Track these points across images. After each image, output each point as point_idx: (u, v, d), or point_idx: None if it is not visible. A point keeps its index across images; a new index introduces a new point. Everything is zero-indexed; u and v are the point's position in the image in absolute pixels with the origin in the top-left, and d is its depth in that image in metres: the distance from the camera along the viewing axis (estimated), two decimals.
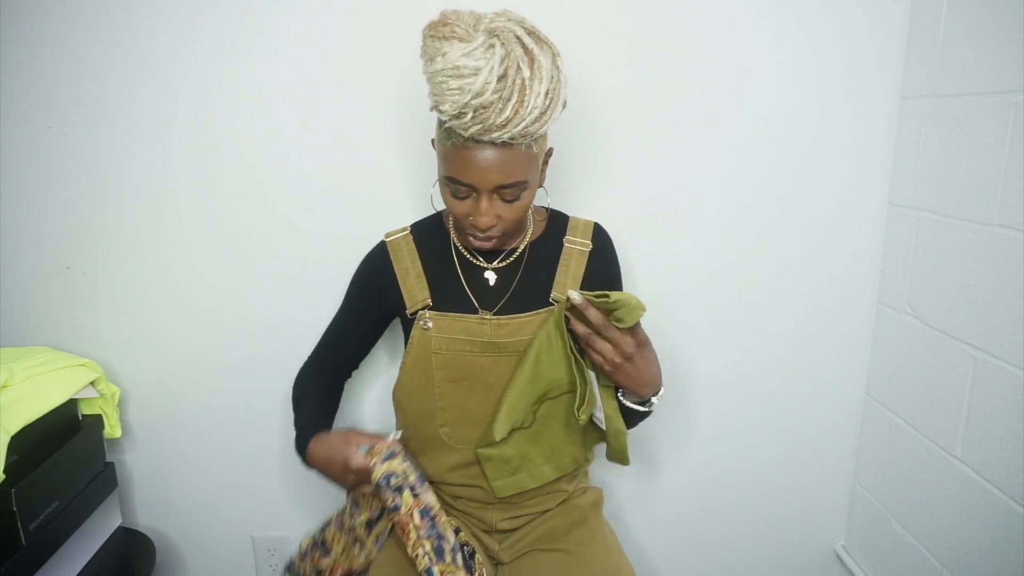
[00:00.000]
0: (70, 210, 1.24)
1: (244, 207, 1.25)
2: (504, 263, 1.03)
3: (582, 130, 1.21)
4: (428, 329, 1.00)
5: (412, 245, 1.04)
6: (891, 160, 1.24)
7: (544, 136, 0.91)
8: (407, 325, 1.04)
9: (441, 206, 1.05)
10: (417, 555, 0.89)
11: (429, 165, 1.20)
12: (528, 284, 1.02)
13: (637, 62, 1.20)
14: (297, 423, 1.04)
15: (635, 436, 1.39)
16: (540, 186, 0.96)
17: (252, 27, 1.17)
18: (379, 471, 0.90)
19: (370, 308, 1.08)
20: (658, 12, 1.17)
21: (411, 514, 0.90)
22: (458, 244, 1.04)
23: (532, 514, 1.09)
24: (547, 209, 1.09)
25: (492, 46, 0.79)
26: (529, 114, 0.80)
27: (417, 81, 1.18)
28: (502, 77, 0.78)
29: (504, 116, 0.79)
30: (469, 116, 0.80)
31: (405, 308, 1.02)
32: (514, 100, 0.78)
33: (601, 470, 1.38)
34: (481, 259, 1.03)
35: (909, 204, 1.21)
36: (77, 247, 1.26)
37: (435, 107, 0.84)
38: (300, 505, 1.40)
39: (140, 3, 1.16)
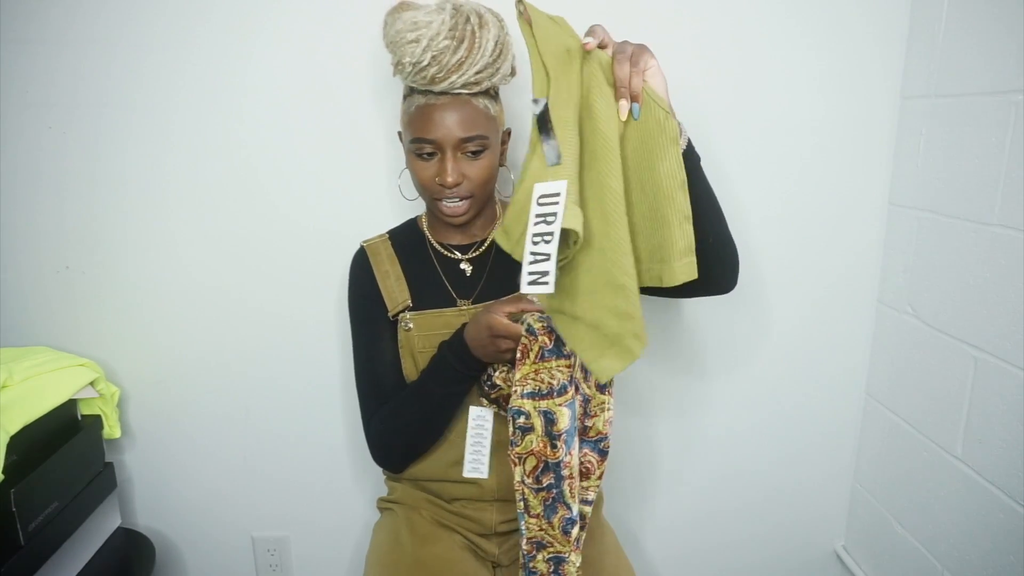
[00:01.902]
0: (69, 210, 1.24)
1: (245, 207, 1.25)
2: (477, 252, 1.06)
3: None
4: (409, 331, 1.02)
5: (391, 249, 1.07)
6: (891, 160, 1.24)
7: (500, 108, 0.99)
8: (394, 329, 1.05)
9: (411, 195, 1.08)
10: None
11: None
12: (499, 269, 1.05)
13: None
14: (419, 402, 1.01)
15: (636, 436, 1.40)
16: (502, 165, 1.03)
17: (251, 26, 1.17)
18: (516, 400, 0.87)
19: (380, 308, 1.06)
20: (656, 12, 1.17)
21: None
22: (434, 242, 1.07)
23: None
24: None
25: (443, 8, 0.91)
26: (481, 57, 0.90)
27: None
28: (453, 27, 0.89)
29: (458, 56, 0.89)
30: (427, 61, 0.88)
31: (387, 311, 1.04)
32: (466, 43, 0.89)
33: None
34: (456, 252, 1.06)
35: (909, 204, 1.21)
36: (77, 247, 1.26)
37: (397, 65, 0.92)
38: (300, 505, 1.40)
39: (139, 3, 1.16)
